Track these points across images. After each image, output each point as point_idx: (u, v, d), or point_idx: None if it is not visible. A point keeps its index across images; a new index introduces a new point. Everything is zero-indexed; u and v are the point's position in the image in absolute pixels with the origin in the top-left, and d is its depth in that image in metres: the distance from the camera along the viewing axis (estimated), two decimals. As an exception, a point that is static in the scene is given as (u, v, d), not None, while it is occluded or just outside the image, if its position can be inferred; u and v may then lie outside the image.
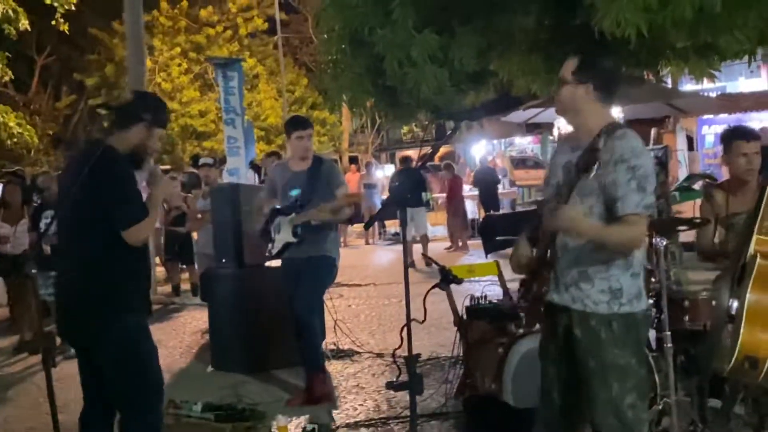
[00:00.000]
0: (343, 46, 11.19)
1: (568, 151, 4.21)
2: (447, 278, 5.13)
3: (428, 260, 6.05)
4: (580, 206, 3.94)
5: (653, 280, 5.53)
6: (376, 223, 23.66)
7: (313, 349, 7.18)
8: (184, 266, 14.28)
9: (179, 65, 32.44)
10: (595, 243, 3.97)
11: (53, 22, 23.19)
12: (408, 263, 4.31)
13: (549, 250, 4.13)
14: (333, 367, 8.20)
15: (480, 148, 28.39)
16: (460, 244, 19.47)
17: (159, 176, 5.03)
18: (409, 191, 4.67)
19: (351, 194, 7.03)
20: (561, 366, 4.20)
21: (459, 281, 5.17)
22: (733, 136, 5.54)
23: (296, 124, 7.43)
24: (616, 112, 14.64)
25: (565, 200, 4.00)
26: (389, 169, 31.91)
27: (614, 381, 3.99)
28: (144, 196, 4.78)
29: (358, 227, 23.84)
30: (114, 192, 4.57)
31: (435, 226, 22.53)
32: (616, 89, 4.22)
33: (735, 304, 4.67)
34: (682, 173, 18.90)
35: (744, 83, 20.13)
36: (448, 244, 19.80)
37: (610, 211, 3.94)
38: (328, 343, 8.57)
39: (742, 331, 4.46)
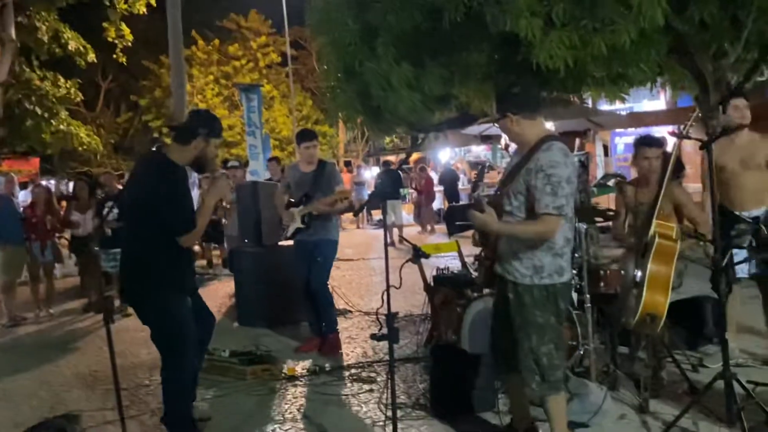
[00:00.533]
0: (339, 75, 11.16)
1: (515, 157, 4.25)
2: (418, 254, 5.13)
3: (404, 240, 6.01)
4: (490, 212, 4.00)
5: (576, 255, 5.55)
6: (364, 212, 23.65)
7: (330, 314, 7.19)
8: (216, 245, 14.20)
9: (212, 89, 32.30)
10: (508, 237, 4.10)
11: (114, 56, 23.11)
12: (388, 243, 4.30)
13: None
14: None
15: (445, 154, 28.36)
16: (429, 228, 19.43)
17: (219, 186, 4.88)
18: (389, 187, 4.65)
19: (342, 190, 7.02)
20: (504, 322, 4.23)
21: (427, 256, 5.18)
22: (641, 144, 5.55)
23: (304, 137, 7.40)
24: (549, 126, 14.75)
25: (502, 198, 4.11)
26: (375, 171, 31.84)
27: (533, 334, 4.06)
28: (195, 195, 4.73)
29: (350, 215, 23.81)
30: (171, 204, 4.52)
31: (408, 214, 22.54)
32: (534, 105, 4.15)
33: (639, 273, 4.71)
34: (599, 173, 18.92)
35: (647, 104, 20.17)
36: (419, 229, 19.76)
37: (531, 209, 3.98)
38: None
39: (644, 294, 4.50)
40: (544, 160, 3.92)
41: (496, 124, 4.27)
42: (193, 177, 9.95)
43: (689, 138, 4.63)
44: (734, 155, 5.73)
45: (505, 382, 4.69)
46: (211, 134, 4.76)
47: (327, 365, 6.57)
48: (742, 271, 5.71)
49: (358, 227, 23.01)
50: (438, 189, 21.88)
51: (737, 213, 5.71)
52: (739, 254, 5.62)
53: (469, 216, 4.08)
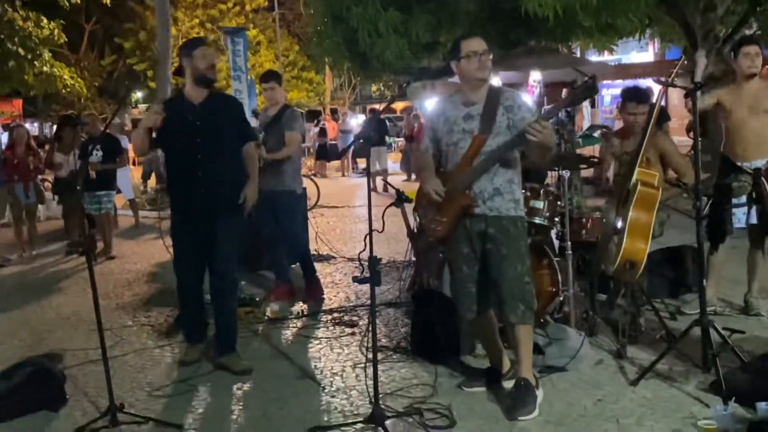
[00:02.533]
0: (325, 20, 11.06)
1: (460, 106, 4.31)
2: (401, 198, 5.12)
3: (388, 186, 5.99)
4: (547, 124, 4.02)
5: (559, 203, 5.57)
6: (348, 160, 23.60)
7: (307, 263, 7.12)
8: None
9: (198, 33, 31.86)
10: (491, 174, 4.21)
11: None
12: (371, 188, 4.30)
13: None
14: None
15: (431, 103, 28.23)
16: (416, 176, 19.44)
17: (149, 114, 5.24)
18: (373, 131, 4.63)
19: (290, 138, 6.72)
20: (474, 264, 4.34)
21: (410, 200, 5.17)
22: (628, 98, 5.51)
23: (264, 77, 7.11)
24: (536, 77, 14.71)
25: (488, 135, 4.17)
26: (361, 119, 31.70)
27: (518, 263, 4.22)
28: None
29: (336, 163, 23.75)
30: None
31: (395, 163, 22.51)
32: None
33: (619, 222, 4.74)
34: (586, 125, 18.92)
35: (636, 56, 20.14)
36: (405, 177, 19.75)
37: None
38: (312, 250, 8.59)
39: (624, 240, 4.53)
40: (517, 97, 4.28)
41: (485, 58, 4.21)
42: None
43: (674, 86, 4.62)
44: (742, 102, 5.59)
45: (476, 328, 4.73)
46: (185, 51, 5.00)
47: (308, 309, 6.61)
48: (740, 221, 5.70)
49: (343, 175, 22.96)
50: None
51: (739, 164, 5.62)
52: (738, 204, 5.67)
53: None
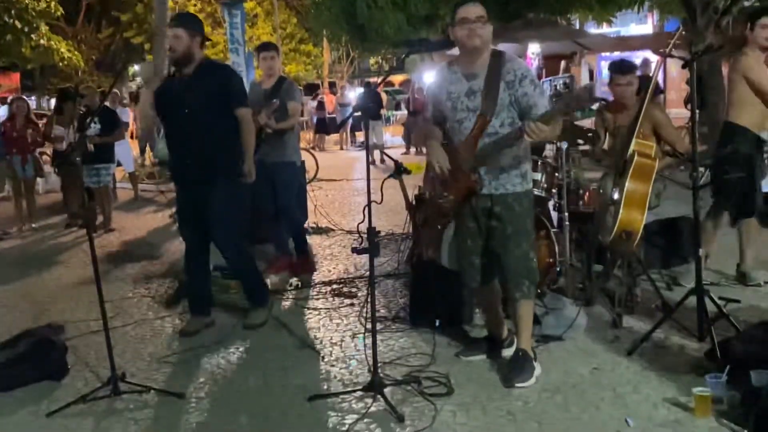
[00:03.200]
0: (324, -9, 11.00)
1: (462, 80, 4.17)
2: (399, 169, 5.13)
3: (385, 158, 5.98)
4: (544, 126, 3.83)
5: (557, 175, 5.59)
6: (347, 133, 23.57)
7: (299, 235, 7.14)
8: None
9: (195, 5, 31.65)
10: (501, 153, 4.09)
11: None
12: (370, 160, 4.31)
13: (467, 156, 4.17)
14: (313, 240, 8.24)
15: (430, 76, 28.11)
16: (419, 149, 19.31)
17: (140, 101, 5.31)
18: (369, 103, 4.64)
19: (294, 107, 6.71)
20: (478, 238, 4.33)
21: (409, 172, 5.17)
22: (612, 69, 5.58)
23: (261, 48, 7.06)
24: (535, 49, 14.66)
25: (491, 115, 4.04)
26: (360, 92, 31.61)
27: (523, 241, 4.22)
28: None
29: (335, 137, 23.72)
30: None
31: (394, 136, 22.46)
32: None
33: (616, 193, 4.75)
34: (584, 97, 18.89)
35: (635, 28, 20.05)
36: (403, 150, 19.71)
37: (524, 117, 4.01)
38: (311, 222, 8.62)
39: (621, 211, 4.56)
40: (521, 68, 4.09)
41: (480, 25, 4.08)
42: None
43: (672, 56, 4.63)
44: (763, 72, 5.50)
45: (478, 295, 4.79)
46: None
47: (303, 282, 6.65)
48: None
49: (341, 149, 22.95)
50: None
51: (756, 132, 5.56)
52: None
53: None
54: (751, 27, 5.57)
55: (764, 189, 5.66)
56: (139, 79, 34.92)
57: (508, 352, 4.50)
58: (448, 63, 4.37)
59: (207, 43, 5.35)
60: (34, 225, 10.22)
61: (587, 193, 5.76)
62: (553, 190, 5.62)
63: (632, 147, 4.69)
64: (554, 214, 5.87)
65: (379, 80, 9.48)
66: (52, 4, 22.25)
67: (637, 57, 17.07)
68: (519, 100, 4.04)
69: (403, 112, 21.36)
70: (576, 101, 3.87)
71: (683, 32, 4.89)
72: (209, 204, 5.15)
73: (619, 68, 5.53)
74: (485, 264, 4.38)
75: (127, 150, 12.65)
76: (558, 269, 5.49)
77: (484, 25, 4.05)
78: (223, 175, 5.16)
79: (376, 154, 15.81)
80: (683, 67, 4.47)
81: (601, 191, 5.46)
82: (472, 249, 4.38)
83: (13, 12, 20.64)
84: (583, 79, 19.89)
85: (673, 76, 18.00)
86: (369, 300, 4.19)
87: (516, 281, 4.24)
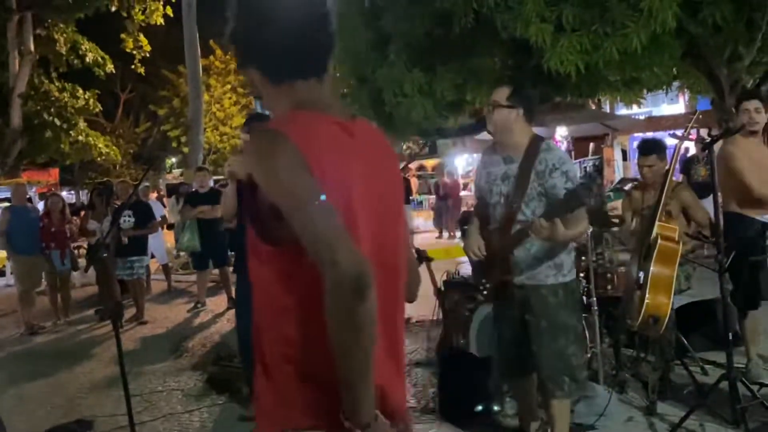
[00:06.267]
0: (351, 82, 11.28)
1: (500, 162, 4.14)
2: (421, 257, 5.19)
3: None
4: (559, 225, 3.72)
5: (583, 259, 5.59)
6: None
7: None
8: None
9: (230, 98, 32.56)
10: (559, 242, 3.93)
11: (132, 66, 23.44)
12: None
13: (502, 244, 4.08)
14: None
15: (461, 161, 28.32)
16: (450, 234, 19.34)
17: None
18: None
19: None
20: (515, 329, 4.20)
21: (430, 259, 5.23)
22: (638, 151, 5.61)
23: None
24: (562, 132, 14.79)
25: (519, 206, 3.98)
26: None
27: (561, 336, 4.04)
28: None
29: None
30: None
31: (427, 220, 22.55)
32: (537, 111, 4.17)
33: (641, 276, 4.74)
34: (617, 178, 18.90)
35: (666, 108, 20.19)
36: (436, 234, 19.74)
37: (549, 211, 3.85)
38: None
39: (647, 295, 4.54)
40: (554, 159, 3.93)
41: (492, 109, 4.11)
42: None
43: (689, 139, 4.67)
44: (745, 161, 5.32)
45: (514, 386, 4.75)
46: None
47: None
48: None
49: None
50: (464, 194, 21.81)
51: (754, 217, 5.39)
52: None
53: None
54: (736, 110, 5.55)
55: None
56: (176, 171, 35.64)
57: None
58: (492, 144, 4.33)
59: None
60: (68, 318, 10.38)
61: (615, 276, 5.74)
62: (581, 275, 5.62)
63: (655, 230, 4.70)
64: (583, 299, 5.85)
65: (405, 164, 9.65)
66: (91, 101, 23.00)
67: (667, 138, 17.20)
68: (548, 191, 3.94)
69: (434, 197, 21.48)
70: (576, 199, 3.69)
71: (700, 116, 4.95)
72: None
73: (642, 149, 5.57)
74: (524, 354, 4.20)
75: (161, 242, 12.89)
76: (589, 355, 5.44)
77: (501, 109, 4.02)
78: None
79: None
80: (702, 150, 4.52)
81: (628, 274, 5.45)
82: (510, 340, 4.27)
83: (52, 110, 21.37)
84: (617, 160, 19.98)
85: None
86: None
87: (553, 378, 4.07)
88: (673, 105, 19.85)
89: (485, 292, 4.34)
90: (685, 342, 5.82)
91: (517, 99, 4.01)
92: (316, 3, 1.99)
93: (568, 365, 4.06)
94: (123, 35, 22.95)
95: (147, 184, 17.11)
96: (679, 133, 4.83)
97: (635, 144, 22.83)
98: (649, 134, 18.43)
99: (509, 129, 4.04)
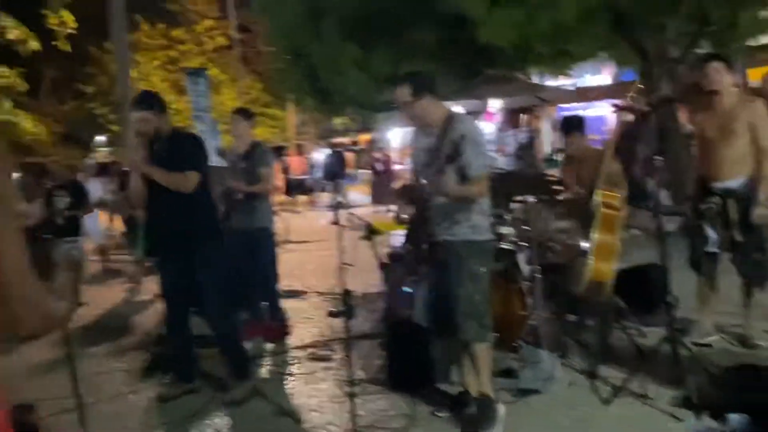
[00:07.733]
0: (286, 57, 11.15)
1: (422, 136, 4.46)
2: (370, 231, 5.16)
3: (353, 218, 5.97)
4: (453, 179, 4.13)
5: (526, 227, 5.65)
6: (317, 193, 23.67)
7: (273, 300, 7.12)
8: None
9: (158, 75, 31.89)
10: (459, 199, 4.25)
11: (55, 43, 22.69)
12: (338, 222, 4.38)
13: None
14: (287, 303, 8.17)
15: (398, 135, 28.30)
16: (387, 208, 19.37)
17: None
18: (336, 168, 4.67)
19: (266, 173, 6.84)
20: (444, 289, 4.38)
21: (380, 233, 5.22)
22: (561, 130, 5.96)
23: (245, 114, 7.07)
24: (496, 104, 14.88)
25: (440, 172, 4.17)
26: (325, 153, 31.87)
27: (469, 282, 4.27)
28: None
29: (307, 198, 23.77)
30: None
31: (364, 195, 22.54)
32: (437, 87, 4.37)
33: (585, 243, 4.81)
34: (547, 149, 19.13)
35: (590, 79, 20.47)
36: (374, 208, 19.74)
37: (462, 174, 4.19)
38: (283, 286, 8.56)
39: (590, 261, 4.61)
40: (465, 130, 4.20)
41: (403, 109, 4.36)
42: None
43: (631, 110, 4.73)
44: (714, 122, 5.29)
45: (449, 345, 4.81)
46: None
47: (279, 347, 6.59)
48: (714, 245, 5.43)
49: (309, 210, 22.95)
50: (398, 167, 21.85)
51: (711, 185, 5.32)
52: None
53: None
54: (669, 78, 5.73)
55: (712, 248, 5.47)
56: (102, 150, 34.84)
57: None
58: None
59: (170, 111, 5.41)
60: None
61: (557, 244, 5.82)
62: (523, 243, 5.67)
63: (597, 198, 4.76)
64: (525, 267, 5.91)
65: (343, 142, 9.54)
66: (15, 80, 22.21)
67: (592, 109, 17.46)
68: (456, 158, 4.16)
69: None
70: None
71: (640, 86, 5.02)
72: (197, 272, 5.17)
73: (563, 128, 5.96)
74: (450, 315, 4.36)
75: (96, 222, 12.56)
76: (532, 322, 5.51)
77: (410, 106, 4.29)
78: (206, 242, 5.19)
79: (344, 213, 15.82)
80: (642, 117, 4.58)
81: (570, 242, 5.52)
82: (438, 300, 4.46)
83: (-26, 89, 20.57)
84: (546, 132, 20.24)
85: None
86: (347, 363, 4.17)
87: (464, 323, 4.28)
88: (597, 77, 20.13)
89: (420, 256, 4.58)
90: (624, 306, 5.93)
91: (419, 89, 4.29)
92: None
93: (475, 310, 4.28)
94: (46, 11, 22.17)
95: (92, 161, 16.70)
96: (619, 103, 4.90)
97: (561, 115, 23.21)
98: (575, 109, 18.72)
99: (424, 115, 4.36)
